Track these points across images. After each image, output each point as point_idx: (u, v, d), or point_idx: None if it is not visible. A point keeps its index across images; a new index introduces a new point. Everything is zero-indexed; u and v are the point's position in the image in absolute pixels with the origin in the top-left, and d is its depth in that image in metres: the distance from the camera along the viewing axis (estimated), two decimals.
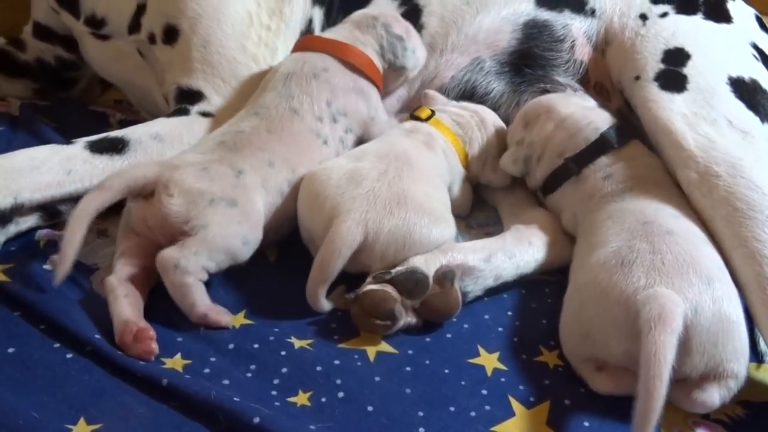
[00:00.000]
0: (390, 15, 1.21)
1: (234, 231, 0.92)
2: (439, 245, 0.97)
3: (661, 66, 1.15)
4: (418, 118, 1.16)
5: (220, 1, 1.12)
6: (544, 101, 1.16)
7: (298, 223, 1.00)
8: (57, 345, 0.84)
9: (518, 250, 1.04)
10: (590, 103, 1.17)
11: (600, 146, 1.07)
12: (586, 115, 1.11)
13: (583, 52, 1.28)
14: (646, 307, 0.79)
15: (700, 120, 1.05)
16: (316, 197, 0.97)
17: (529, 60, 1.27)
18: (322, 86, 1.10)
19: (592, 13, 1.29)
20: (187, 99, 1.11)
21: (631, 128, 1.13)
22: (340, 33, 1.18)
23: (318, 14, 1.26)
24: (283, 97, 1.07)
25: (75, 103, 1.39)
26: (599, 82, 1.28)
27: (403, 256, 0.95)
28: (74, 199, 1.00)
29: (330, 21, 1.27)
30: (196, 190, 0.90)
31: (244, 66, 1.14)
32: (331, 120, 1.09)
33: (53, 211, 1.01)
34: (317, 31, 1.25)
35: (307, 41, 1.17)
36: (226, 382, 0.82)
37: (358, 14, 1.21)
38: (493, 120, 1.21)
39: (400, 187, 0.97)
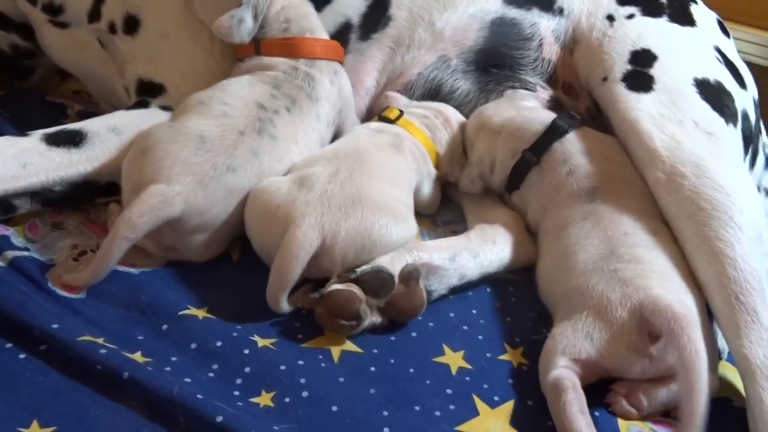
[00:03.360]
0: None
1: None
2: (399, 245, 0.96)
3: (629, 67, 1.16)
4: (386, 119, 1.15)
5: None
6: (475, 119, 1.17)
7: (250, 240, 0.97)
8: (9, 345, 0.81)
9: (482, 250, 1.04)
10: (529, 102, 1.18)
11: (552, 132, 1.08)
12: (525, 114, 1.13)
13: (551, 51, 1.28)
14: (660, 307, 0.83)
15: (666, 120, 1.06)
16: (266, 209, 0.94)
17: (497, 59, 1.26)
18: (335, 92, 1.11)
19: (561, 12, 1.29)
20: (147, 92, 1.08)
21: (580, 116, 1.14)
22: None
23: None
24: (313, 100, 1.08)
25: (31, 94, 1.35)
26: (567, 81, 1.28)
27: (363, 258, 0.93)
28: (29, 194, 0.97)
29: None
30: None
31: (204, 61, 1.11)
32: (330, 124, 1.11)
33: (7, 206, 0.97)
34: None
35: (297, 45, 1.10)
36: (187, 380, 0.80)
37: None
38: (456, 117, 1.20)
39: (353, 186, 0.95)
